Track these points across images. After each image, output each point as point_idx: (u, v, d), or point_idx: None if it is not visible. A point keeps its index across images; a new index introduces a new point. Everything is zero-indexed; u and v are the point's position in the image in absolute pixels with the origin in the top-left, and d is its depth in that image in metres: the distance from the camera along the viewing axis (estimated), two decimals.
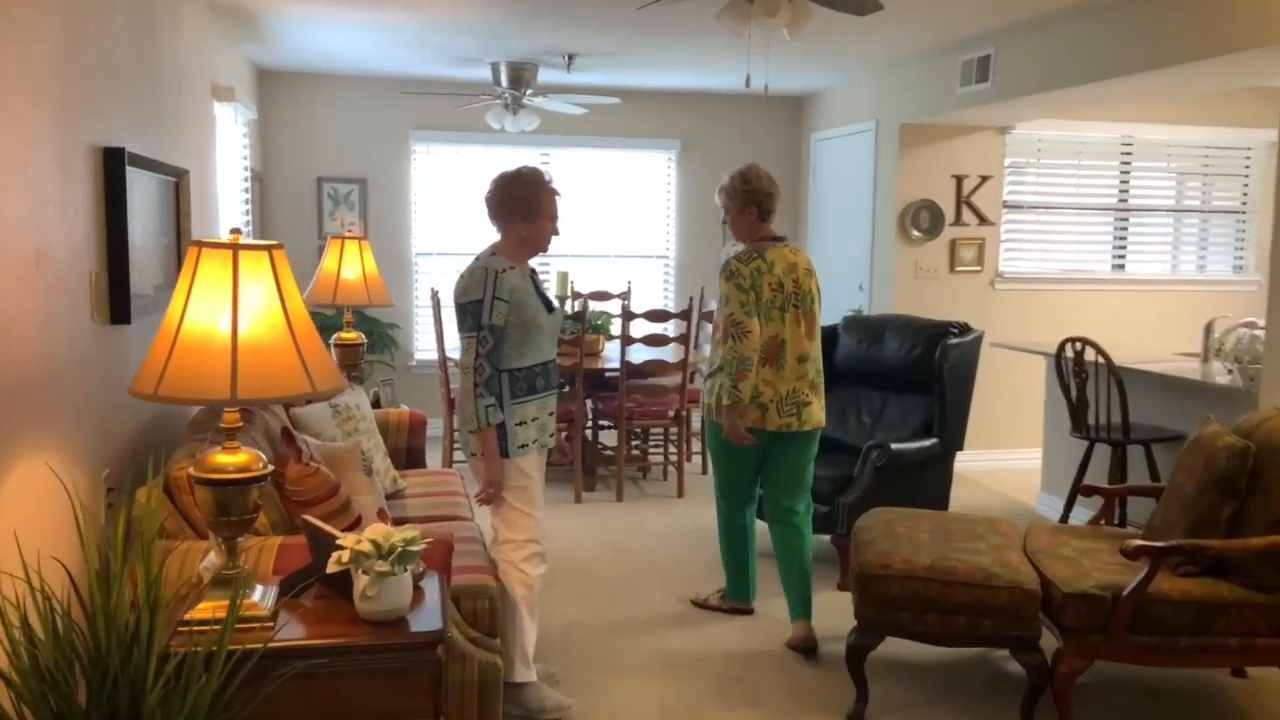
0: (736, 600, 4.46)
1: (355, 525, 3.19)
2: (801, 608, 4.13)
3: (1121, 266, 7.50)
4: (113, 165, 3.11)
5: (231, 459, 2.37)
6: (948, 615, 3.39)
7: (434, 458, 6.78)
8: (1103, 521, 4.03)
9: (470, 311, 3.32)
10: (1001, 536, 3.79)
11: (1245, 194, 7.53)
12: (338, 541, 2.47)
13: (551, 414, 3.54)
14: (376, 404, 5.31)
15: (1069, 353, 5.11)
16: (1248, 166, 7.50)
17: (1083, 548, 3.69)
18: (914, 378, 5.22)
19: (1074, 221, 7.34)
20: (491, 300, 3.32)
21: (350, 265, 5.11)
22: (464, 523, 4.04)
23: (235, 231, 2.42)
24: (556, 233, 3.54)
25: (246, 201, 6.38)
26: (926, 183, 6.95)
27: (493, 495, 3.42)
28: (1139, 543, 3.25)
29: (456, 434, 3.54)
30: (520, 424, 3.39)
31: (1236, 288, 7.57)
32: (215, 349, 2.27)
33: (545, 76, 7.00)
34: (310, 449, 3.30)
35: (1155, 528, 3.73)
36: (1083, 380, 5.02)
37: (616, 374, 6.20)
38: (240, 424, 2.40)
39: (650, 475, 6.85)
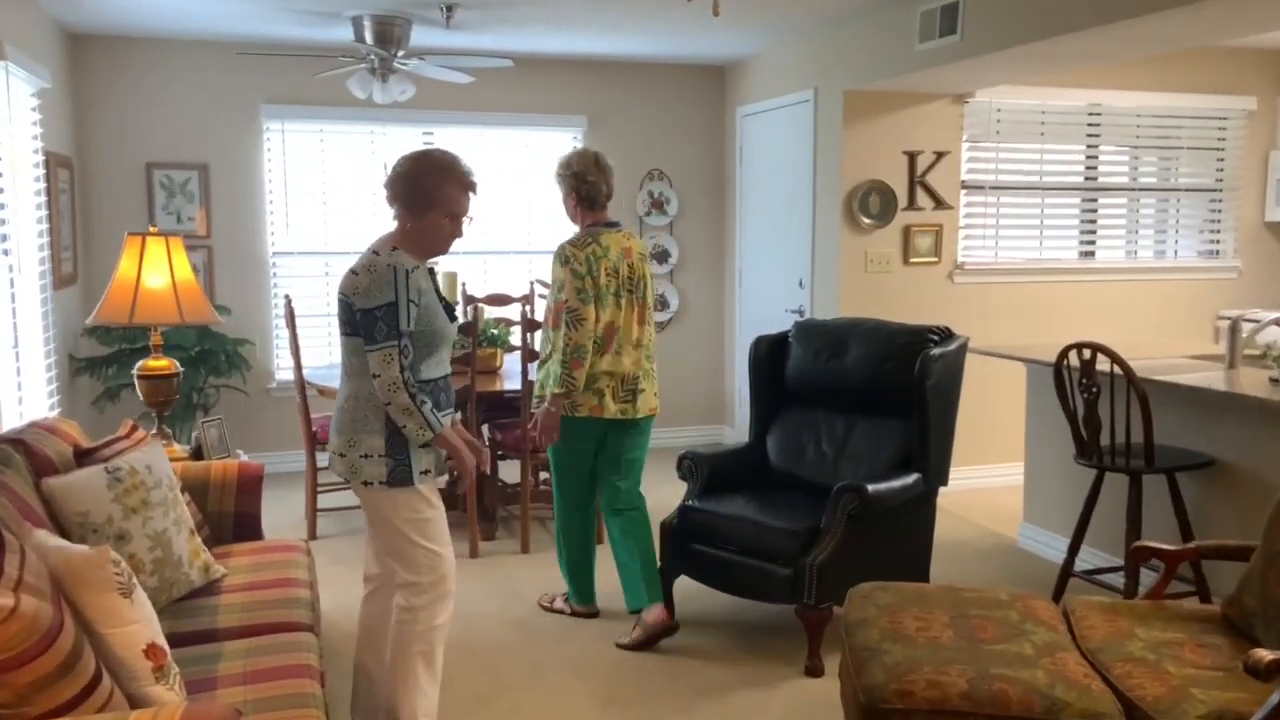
0: (583, 604, 4.28)
1: (89, 691, 2.01)
2: (651, 592, 4.02)
3: (1091, 254, 6.62)
4: None
5: None
6: None
7: (282, 515, 5.57)
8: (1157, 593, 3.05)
9: (383, 317, 2.80)
10: (1045, 627, 2.77)
11: (1220, 169, 6.72)
12: None
13: None
14: (199, 454, 4.08)
15: (1074, 361, 4.15)
16: (1222, 139, 6.69)
17: (1157, 640, 2.69)
18: (885, 397, 4.20)
19: (1038, 204, 6.43)
20: (407, 303, 2.83)
21: (155, 271, 3.87)
22: (297, 634, 2.87)
23: None
24: (458, 234, 2.99)
25: (41, 192, 5.05)
26: (875, 161, 5.96)
27: (480, 463, 3.07)
28: (1273, 656, 2.25)
29: (341, 461, 2.96)
30: (424, 446, 2.91)
31: (1211, 275, 6.76)
32: None
33: (421, 38, 5.81)
34: (24, 565, 2.10)
35: (1249, 609, 2.76)
36: (1094, 395, 4.06)
37: (519, 395, 5.06)
38: None
39: None
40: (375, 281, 2.81)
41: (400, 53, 5.48)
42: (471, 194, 2.96)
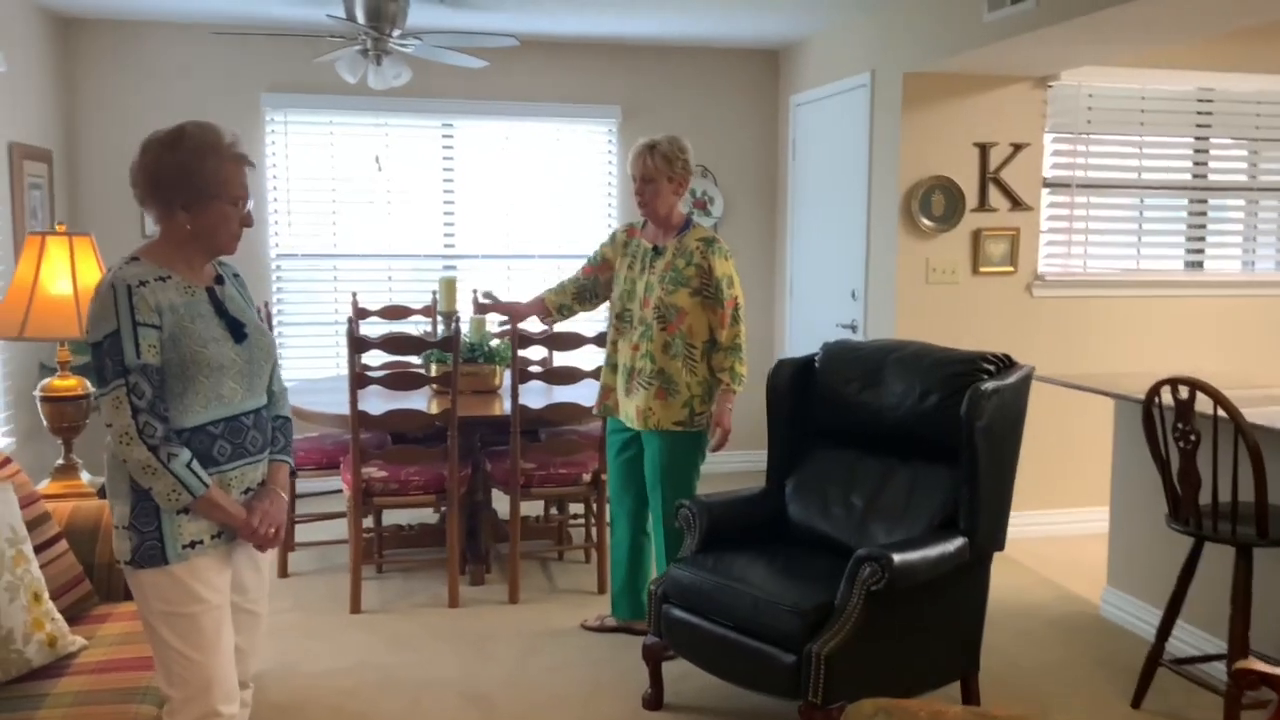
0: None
1: None
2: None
3: (1199, 264, 5.68)
4: None
5: None
6: None
7: None
8: None
9: (108, 350, 2.17)
10: None
11: None
12: None
13: (248, 491, 2.37)
14: (104, 492, 3.52)
15: (1167, 398, 3.32)
16: None
17: None
18: (928, 439, 3.42)
19: (1136, 205, 5.52)
20: (134, 328, 2.17)
21: (57, 276, 3.33)
22: None
23: None
24: (248, 223, 2.36)
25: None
26: (940, 154, 5.15)
27: (258, 534, 2.33)
28: None
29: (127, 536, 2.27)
30: (184, 511, 2.23)
31: None
32: None
33: (421, 17, 5.22)
34: None
35: None
36: (1192, 444, 3.22)
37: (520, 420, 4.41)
38: None
39: (569, 556, 5.04)
40: (99, 306, 2.18)
41: (396, 32, 4.89)
42: (249, 169, 2.31)
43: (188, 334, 2.22)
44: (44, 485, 3.48)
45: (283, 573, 4.68)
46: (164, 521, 2.22)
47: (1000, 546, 3.37)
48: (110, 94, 5.71)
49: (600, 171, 6.42)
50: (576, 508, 5.29)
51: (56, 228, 3.47)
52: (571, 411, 4.43)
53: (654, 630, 3.42)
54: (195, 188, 2.23)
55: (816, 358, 3.80)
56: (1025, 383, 3.41)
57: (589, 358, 4.57)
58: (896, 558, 2.98)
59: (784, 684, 3.02)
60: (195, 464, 2.20)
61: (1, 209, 4.66)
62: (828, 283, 5.90)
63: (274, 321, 6.02)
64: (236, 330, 2.32)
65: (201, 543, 2.25)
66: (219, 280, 2.37)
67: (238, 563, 2.39)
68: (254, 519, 2.32)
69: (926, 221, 5.13)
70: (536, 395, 4.68)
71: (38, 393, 3.46)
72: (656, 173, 3.78)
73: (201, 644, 2.26)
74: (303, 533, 5.00)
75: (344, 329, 5.44)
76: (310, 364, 6.07)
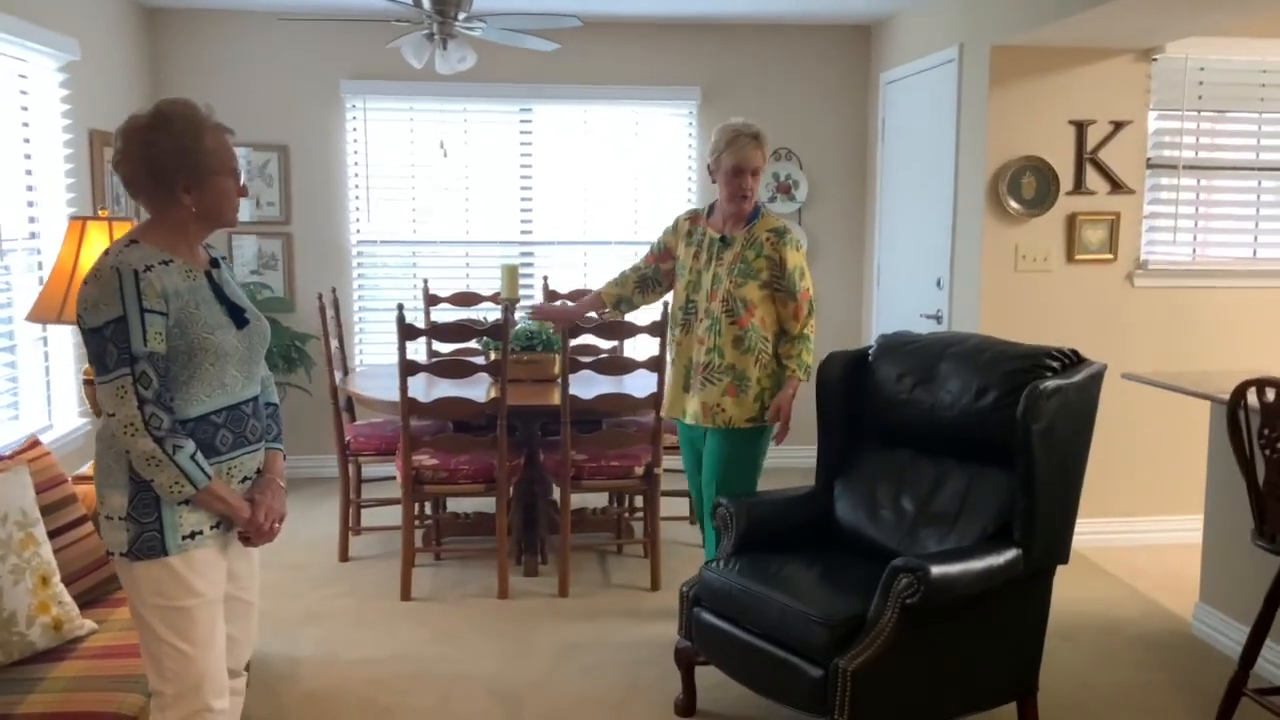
0: None
1: None
2: None
3: None
4: None
5: None
6: None
7: (322, 529, 4.99)
8: None
9: (112, 337, 2.10)
10: None
11: None
12: None
13: (245, 480, 2.33)
14: None
15: (1252, 401, 2.98)
16: None
17: None
18: (985, 441, 3.17)
19: (1253, 188, 5.06)
20: (141, 314, 2.11)
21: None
22: None
23: None
24: (244, 193, 2.36)
25: (75, 173, 4.70)
26: (1031, 133, 4.81)
27: (262, 528, 2.30)
28: None
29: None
30: (185, 502, 2.19)
31: None
32: None
33: (489, 1, 5.15)
34: None
35: None
36: (1279, 454, 2.89)
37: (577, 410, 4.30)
38: None
39: (627, 550, 4.91)
40: (99, 291, 2.10)
41: (462, 15, 4.82)
42: (231, 137, 2.28)
43: (194, 320, 2.17)
44: (87, 468, 3.53)
45: (343, 557, 4.70)
46: (164, 512, 2.17)
47: (1063, 559, 3.10)
48: (193, 81, 5.81)
49: (680, 155, 6.25)
50: (639, 500, 5.16)
51: (99, 213, 3.50)
52: (622, 402, 4.29)
53: (684, 634, 3.27)
54: (196, 166, 2.18)
55: (870, 350, 3.58)
56: (1094, 381, 3.12)
57: (644, 347, 4.43)
58: (935, 570, 2.75)
59: (810, 699, 2.83)
60: (199, 455, 2.16)
61: (81, 194, 4.78)
62: (913, 270, 5.61)
63: (353, 307, 6.09)
64: (238, 316, 2.29)
65: (201, 533, 2.21)
66: (214, 264, 2.33)
67: (230, 552, 2.35)
68: (259, 514, 2.28)
69: (1015, 204, 4.80)
70: (600, 385, 4.56)
71: (82, 375, 3.52)
72: (762, 164, 3.65)
73: (195, 638, 2.21)
74: (367, 517, 5.01)
75: (421, 315, 5.44)
76: (389, 349, 6.08)
